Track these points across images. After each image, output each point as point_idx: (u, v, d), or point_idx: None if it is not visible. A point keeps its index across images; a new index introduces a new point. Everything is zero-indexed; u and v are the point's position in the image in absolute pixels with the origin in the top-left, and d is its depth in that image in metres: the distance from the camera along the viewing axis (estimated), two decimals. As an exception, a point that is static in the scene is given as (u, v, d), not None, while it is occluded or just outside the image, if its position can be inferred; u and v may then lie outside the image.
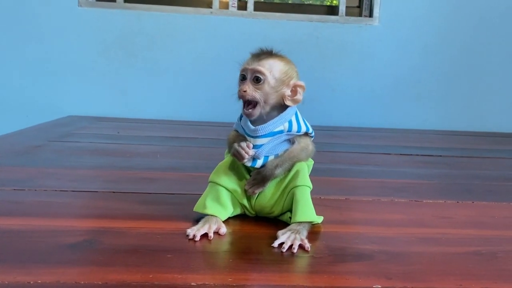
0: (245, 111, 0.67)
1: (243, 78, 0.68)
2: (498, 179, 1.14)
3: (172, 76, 2.09)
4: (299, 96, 0.69)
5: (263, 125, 0.68)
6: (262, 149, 0.69)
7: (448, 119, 2.18)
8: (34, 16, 2.01)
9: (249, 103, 0.67)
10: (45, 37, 2.02)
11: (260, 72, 0.66)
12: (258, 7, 2.14)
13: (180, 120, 2.03)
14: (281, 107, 0.69)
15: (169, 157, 1.24)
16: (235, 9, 2.14)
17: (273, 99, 0.68)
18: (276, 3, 2.53)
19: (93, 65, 2.06)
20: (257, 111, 0.67)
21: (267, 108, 0.68)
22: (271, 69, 0.67)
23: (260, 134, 0.69)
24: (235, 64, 0.71)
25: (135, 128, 1.75)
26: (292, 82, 0.69)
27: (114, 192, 0.87)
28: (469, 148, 1.66)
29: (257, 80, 0.66)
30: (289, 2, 2.59)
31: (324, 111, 2.10)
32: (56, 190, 0.86)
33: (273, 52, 0.69)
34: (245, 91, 0.66)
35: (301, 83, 0.69)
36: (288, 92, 0.69)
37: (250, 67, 0.67)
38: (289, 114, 0.70)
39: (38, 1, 2.01)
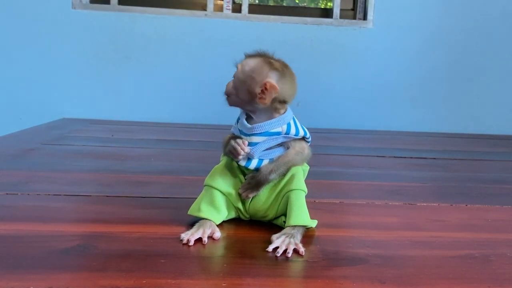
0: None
1: None
2: (492, 181, 1.15)
3: (166, 78, 2.09)
4: (267, 97, 0.66)
5: (259, 124, 0.69)
6: (257, 147, 0.69)
7: (442, 121, 2.19)
8: (27, 18, 2.00)
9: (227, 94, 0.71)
10: (39, 39, 2.01)
11: (236, 67, 0.70)
12: (252, 9, 2.15)
13: (174, 122, 2.03)
14: (273, 110, 0.69)
15: (163, 160, 1.24)
16: (229, 12, 2.14)
17: (243, 94, 0.69)
18: (270, 5, 2.54)
19: (87, 67, 2.05)
20: (229, 101, 0.71)
21: (238, 101, 0.70)
22: (245, 64, 0.69)
23: (256, 132, 0.69)
24: (229, 66, 0.71)
25: (129, 131, 1.75)
26: (264, 81, 0.66)
27: (107, 196, 0.87)
28: (463, 150, 1.67)
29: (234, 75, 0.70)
30: (284, 4, 2.60)
31: (318, 114, 2.10)
32: (49, 194, 0.86)
33: (264, 53, 0.70)
34: (227, 85, 0.71)
35: (272, 81, 0.66)
36: (258, 89, 0.67)
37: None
38: (287, 117, 0.70)
39: (31, 3, 2.00)
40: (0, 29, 2.00)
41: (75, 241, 0.64)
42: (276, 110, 0.70)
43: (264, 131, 0.69)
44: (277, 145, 0.71)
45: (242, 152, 0.68)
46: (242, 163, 0.70)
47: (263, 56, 0.70)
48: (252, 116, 0.70)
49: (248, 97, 0.68)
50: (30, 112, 2.01)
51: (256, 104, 0.68)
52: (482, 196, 1.00)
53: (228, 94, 0.70)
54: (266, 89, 0.66)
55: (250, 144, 0.69)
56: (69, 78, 2.05)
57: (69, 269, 0.55)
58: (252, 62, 0.69)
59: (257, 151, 0.69)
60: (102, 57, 2.06)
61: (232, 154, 0.69)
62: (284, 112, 0.70)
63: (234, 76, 0.70)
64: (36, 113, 1.99)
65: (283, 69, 0.69)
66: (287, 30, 2.09)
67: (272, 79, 0.67)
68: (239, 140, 0.69)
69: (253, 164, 0.70)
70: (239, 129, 0.72)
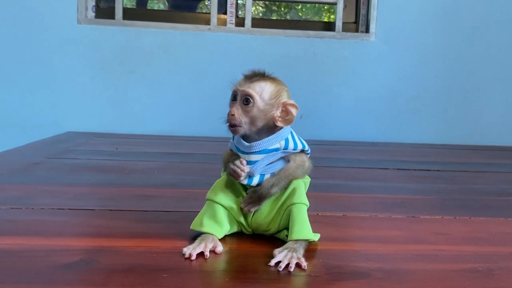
0: (230, 128, 0.68)
1: (234, 98, 0.69)
2: (495, 193, 1.15)
3: (170, 92, 2.11)
4: (291, 116, 0.68)
5: (257, 142, 0.69)
6: (257, 165, 0.69)
7: (445, 133, 2.18)
8: (33, 34, 2.02)
9: (234, 125, 0.67)
10: (44, 54, 2.04)
11: (249, 94, 0.67)
12: (255, 23, 2.16)
13: (178, 135, 2.04)
14: (274, 127, 0.69)
15: (166, 174, 1.24)
16: (233, 26, 2.16)
17: (261, 122, 0.68)
18: (273, 19, 2.56)
19: (92, 81, 2.07)
20: (240, 131, 0.68)
21: (254, 129, 0.68)
22: (261, 92, 0.67)
23: (254, 151, 0.69)
24: (233, 80, 0.72)
25: (133, 144, 1.76)
26: (281, 102, 0.68)
27: (111, 209, 0.87)
28: (467, 162, 1.67)
29: (246, 102, 0.67)
30: (287, 18, 2.62)
31: (321, 126, 2.11)
32: (53, 208, 0.86)
33: (266, 74, 0.69)
34: (233, 115, 0.67)
35: (292, 101, 0.68)
36: (277, 113, 0.68)
37: (241, 88, 0.67)
38: (285, 132, 0.70)
39: (37, 18, 2.02)
40: (6, 43, 2.02)
41: (78, 255, 0.64)
42: (278, 127, 0.70)
43: (262, 149, 0.69)
44: (278, 158, 0.71)
45: (243, 174, 0.68)
46: (244, 182, 0.70)
47: (265, 76, 0.69)
48: (256, 136, 0.69)
49: (265, 123, 0.68)
50: (35, 126, 2.02)
51: (273, 127, 0.68)
52: (486, 208, 1.00)
53: (238, 125, 0.67)
54: (287, 109, 0.68)
55: (249, 162, 0.69)
56: (74, 92, 2.07)
57: (72, 283, 0.55)
58: (268, 88, 0.68)
59: (257, 169, 0.69)
60: (107, 71, 2.08)
61: (232, 176, 0.69)
62: (281, 127, 0.71)
63: (242, 104, 0.66)
64: (41, 127, 2.00)
65: (285, 85, 0.70)
66: (290, 43, 2.11)
67: (287, 98, 0.69)
68: (237, 162, 0.68)
69: (255, 181, 0.70)
70: (235, 146, 0.71)
